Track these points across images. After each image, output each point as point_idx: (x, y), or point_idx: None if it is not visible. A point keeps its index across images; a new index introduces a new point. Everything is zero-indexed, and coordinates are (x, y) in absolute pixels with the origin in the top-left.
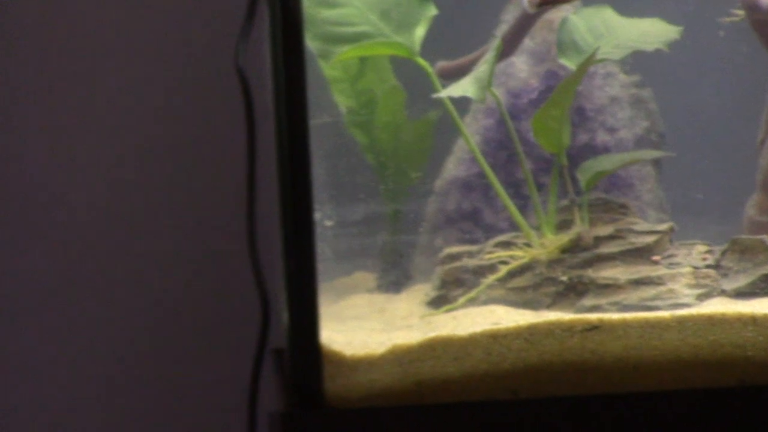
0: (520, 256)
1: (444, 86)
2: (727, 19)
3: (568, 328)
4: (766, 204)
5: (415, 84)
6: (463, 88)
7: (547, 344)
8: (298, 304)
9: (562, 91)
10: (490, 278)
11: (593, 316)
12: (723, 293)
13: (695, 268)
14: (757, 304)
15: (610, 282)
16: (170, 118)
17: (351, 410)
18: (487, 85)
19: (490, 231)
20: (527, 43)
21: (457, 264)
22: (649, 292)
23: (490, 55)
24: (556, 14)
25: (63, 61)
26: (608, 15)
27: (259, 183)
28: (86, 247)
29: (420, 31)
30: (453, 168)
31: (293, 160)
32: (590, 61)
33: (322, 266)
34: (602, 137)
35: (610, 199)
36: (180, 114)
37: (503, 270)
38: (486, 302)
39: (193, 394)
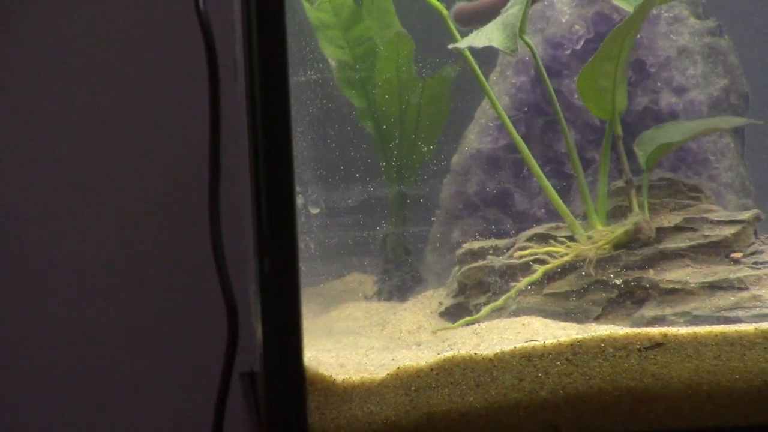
0: (561, 253)
1: (463, 34)
2: None
3: (624, 346)
4: None
5: (426, 31)
6: (489, 36)
7: (596, 367)
8: (276, 315)
9: (615, 40)
10: (523, 282)
11: (656, 331)
12: None
13: None
14: None
15: (678, 286)
16: (116, 76)
17: None
18: (518, 32)
19: (523, 220)
20: None
21: (480, 263)
22: (728, 299)
23: None
24: None
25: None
26: None
27: (225, 158)
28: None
29: None
30: (475, 139)
31: (269, 128)
32: (653, 0)
33: (306, 266)
34: (668, 99)
35: (677, 179)
36: (130, 71)
37: (539, 271)
38: (517, 312)
39: (145, 428)
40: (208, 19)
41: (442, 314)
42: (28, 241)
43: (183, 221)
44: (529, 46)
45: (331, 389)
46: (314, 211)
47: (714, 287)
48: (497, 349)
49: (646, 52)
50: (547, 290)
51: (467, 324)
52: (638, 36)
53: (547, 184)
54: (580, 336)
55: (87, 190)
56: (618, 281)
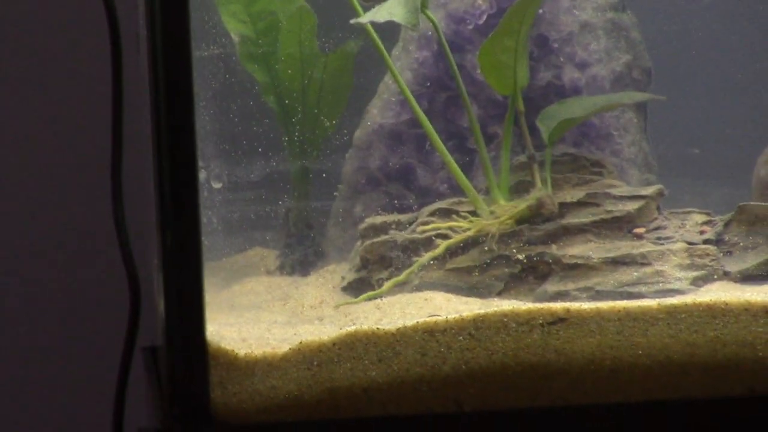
0: (463, 228)
1: (366, 9)
2: None
3: (526, 321)
4: None
5: (329, 6)
6: (391, 11)
7: (499, 342)
8: (178, 289)
9: (515, 14)
10: (426, 257)
11: (558, 306)
12: (726, 276)
13: (690, 243)
14: None
15: (581, 261)
16: (16, 50)
17: (246, 426)
18: (421, 6)
19: (425, 195)
20: None
21: (383, 238)
22: (631, 274)
23: None
24: None
25: None
26: None
27: (128, 132)
28: None
29: None
30: (377, 114)
31: (171, 103)
32: None
33: (208, 240)
34: (570, 75)
35: (580, 154)
36: (28, 44)
37: (442, 246)
38: (420, 287)
39: (45, 404)
40: None
41: (344, 289)
42: None
43: (85, 195)
44: (431, 20)
45: (233, 364)
46: (217, 185)
47: (617, 262)
48: (399, 324)
49: (548, 27)
50: (449, 265)
51: (370, 299)
52: (541, 11)
53: (450, 159)
54: (482, 311)
55: None
56: (521, 256)
